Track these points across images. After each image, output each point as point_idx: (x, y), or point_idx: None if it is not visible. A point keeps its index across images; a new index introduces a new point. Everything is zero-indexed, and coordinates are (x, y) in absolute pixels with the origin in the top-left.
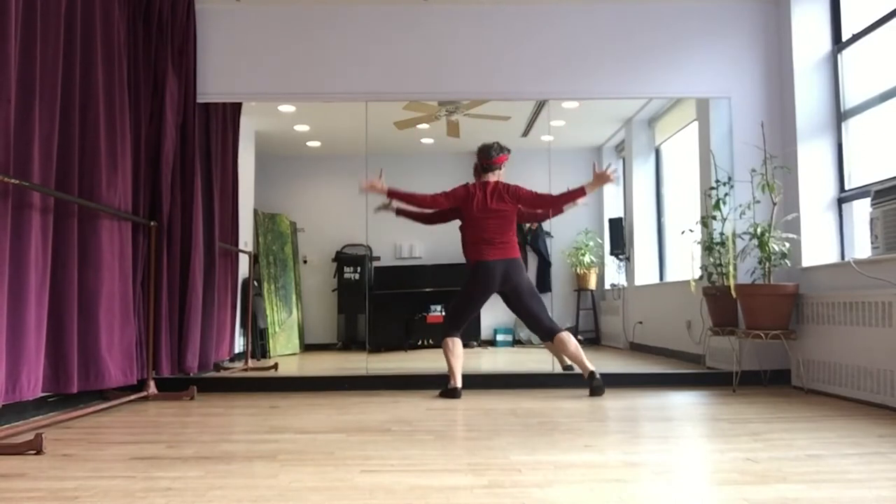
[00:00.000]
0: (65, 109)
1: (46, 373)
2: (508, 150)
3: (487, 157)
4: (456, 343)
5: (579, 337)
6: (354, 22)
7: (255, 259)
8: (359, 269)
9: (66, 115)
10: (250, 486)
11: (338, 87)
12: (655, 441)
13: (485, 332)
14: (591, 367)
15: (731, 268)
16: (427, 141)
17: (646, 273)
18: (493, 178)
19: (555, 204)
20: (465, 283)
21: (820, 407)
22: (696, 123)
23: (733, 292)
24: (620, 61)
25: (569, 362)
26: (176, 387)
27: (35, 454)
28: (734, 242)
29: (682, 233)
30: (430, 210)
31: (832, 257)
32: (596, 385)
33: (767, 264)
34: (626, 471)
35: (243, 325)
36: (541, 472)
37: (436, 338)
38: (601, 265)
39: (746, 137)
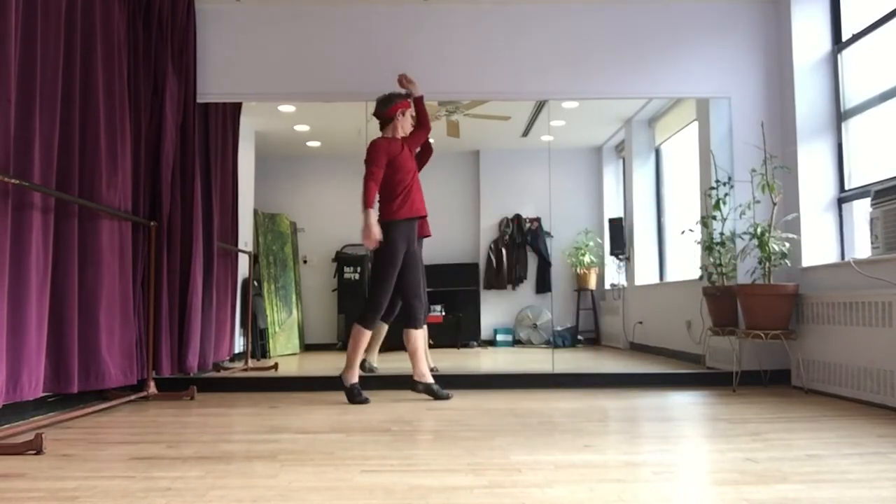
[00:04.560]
0: (65, 109)
1: (47, 373)
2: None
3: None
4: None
5: (579, 337)
6: (354, 22)
7: (255, 259)
8: (359, 269)
9: (66, 115)
10: (250, 486)
11: (338, 87)
12: (655, 441)
13: (485, 332)
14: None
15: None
16: None
17: (646, 273)
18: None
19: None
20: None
21: (820, 407)
22: (696, 123)
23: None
24: (620, 61)
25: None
26: (176, 387)
27: (35, 454)
28: (735, 243)
29: (682, 233)
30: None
31: (832, 257)
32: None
33: (767, 264)
34: (626, 471)
35: (243, 325)
36: (541, 472)
37: (436, 337)
38: (601, 265)
39: (746, 137)
